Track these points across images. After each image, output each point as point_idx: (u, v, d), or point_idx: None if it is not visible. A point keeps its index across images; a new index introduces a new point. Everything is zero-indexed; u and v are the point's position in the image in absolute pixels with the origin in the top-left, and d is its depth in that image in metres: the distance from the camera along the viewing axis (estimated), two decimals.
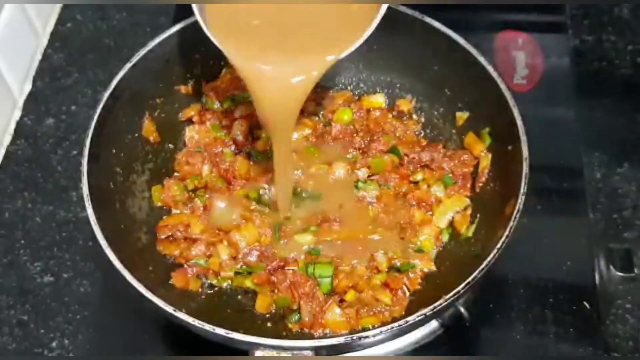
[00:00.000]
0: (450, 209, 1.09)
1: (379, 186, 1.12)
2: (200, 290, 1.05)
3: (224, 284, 1.06)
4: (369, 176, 1.13)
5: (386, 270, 1.04)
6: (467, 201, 1.10)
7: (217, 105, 1.19)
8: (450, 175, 1.12)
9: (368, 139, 1.16)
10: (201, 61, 1.18)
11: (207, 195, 1.11)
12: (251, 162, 1.14)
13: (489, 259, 0.92)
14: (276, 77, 0.89)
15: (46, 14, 1.45)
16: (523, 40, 1.37)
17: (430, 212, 1.10)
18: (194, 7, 0.92)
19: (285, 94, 0.91)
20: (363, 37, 0.91)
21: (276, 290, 1.02)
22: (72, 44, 1.44)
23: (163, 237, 1.08)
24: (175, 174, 1.16)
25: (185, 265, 1.06)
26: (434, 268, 1.05)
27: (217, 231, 1.08)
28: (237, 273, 1.05)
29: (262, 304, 1.02)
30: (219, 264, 1.05)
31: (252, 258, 1.05)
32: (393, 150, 1.15)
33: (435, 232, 1.08)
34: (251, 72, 0.90)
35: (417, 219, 1.09)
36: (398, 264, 1.05)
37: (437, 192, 1.11)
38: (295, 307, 1.01)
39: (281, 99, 0.92)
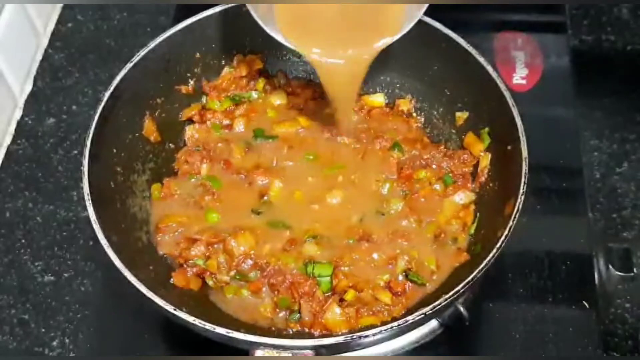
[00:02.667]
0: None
1: (403, 197, 1.10)
2: (200, 289, 1.05)
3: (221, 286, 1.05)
4: None
5: (397, 275, 1.04)
6: (472, 195, 1.10)
7: (217, 104, 1.19)
8: (450, 174, 1.12)
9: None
10: (202, 61, 1.18)
11: (207, 197, 1.11)
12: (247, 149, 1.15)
13: (488, 258, 0.92)
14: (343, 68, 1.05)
15: (47, 14, 1.45)
16: (522, 40, 1.38)
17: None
18: (251, 8, 1.03)
19: (348, 78, 1.08)
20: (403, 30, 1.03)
21: (276, 292, 1.02)
22: (73, 44, 1.44)
23: (162, 237, 1.08)
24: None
25: (185, 265, 1.05)
26: (468, 257, 1.04)
27: (217, 232, 1.07)
28: (233, 279, 1.04)
29: (265, 309, 1.02)
30: (217, 266, 1.04)
31: (246, 266, 1.04)
32: (395, 146, 1.15)
33: (461, 221, 1.08)
34: (319, 64, 1.05)
35: (443, 216, 1.09)
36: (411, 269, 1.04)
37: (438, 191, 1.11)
38: (295, 307, 1.02)
39: (345, 81, 1.08)
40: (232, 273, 1.04)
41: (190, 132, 1.18)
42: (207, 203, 1.10)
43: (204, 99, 1.20)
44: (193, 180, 1.13)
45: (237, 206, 1.10)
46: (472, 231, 1.07)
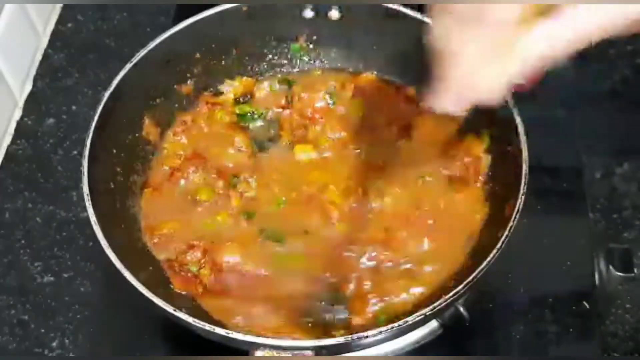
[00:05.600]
0: None
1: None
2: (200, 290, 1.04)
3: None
4: None
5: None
6: (476, 188, 1.09)
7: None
8: (451, 175, 1.12)
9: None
10: (202, 61, 1.18)
11: (198, 197, 1.10)
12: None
13: (488, 258, 0.92)
14: None
15: (47, 14, 1.45)
16: None
17: None
18: None
19: None
20: None
21: None
22: (73, 44, 1.44)
23: (157, 241, 1.07)
24: None
25: (179, 270, 1.03)
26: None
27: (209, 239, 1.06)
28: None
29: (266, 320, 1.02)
30: (208, 276, 1.03)
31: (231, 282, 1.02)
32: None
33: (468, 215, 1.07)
34: None
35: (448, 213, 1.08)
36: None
37: None
38: None
39: None
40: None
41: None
42: (201, 206, 1.09)
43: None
44: (184, 182, 1.12)
45: (228, 210, 1.08)
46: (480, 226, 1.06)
